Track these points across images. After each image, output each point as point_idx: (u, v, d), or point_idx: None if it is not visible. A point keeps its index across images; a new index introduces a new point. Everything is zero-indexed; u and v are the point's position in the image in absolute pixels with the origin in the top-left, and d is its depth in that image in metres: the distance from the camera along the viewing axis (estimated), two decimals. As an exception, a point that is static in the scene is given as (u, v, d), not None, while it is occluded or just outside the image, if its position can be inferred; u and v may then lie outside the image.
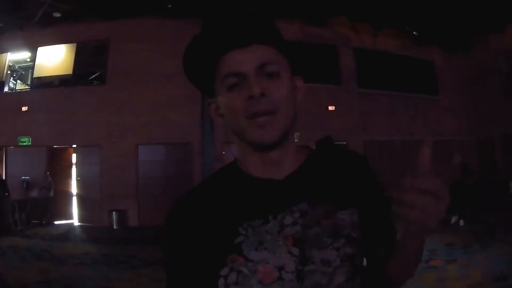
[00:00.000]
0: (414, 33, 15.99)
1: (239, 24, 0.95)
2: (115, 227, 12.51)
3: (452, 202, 3.96)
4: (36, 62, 14.98)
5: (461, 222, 10.17)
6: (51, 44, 14.79)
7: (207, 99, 1.04)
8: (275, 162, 0.98)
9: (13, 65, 16.22)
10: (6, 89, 15.66)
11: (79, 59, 14.33)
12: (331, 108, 14.25)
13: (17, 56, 15.84)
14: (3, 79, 15.53)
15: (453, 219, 10.22)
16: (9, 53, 15.56)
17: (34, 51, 15.14)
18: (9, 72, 15.92)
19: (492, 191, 13.94)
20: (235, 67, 0.93)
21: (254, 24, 0.96)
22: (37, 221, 12.97)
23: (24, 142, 14.36)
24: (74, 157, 14.22)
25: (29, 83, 15.89)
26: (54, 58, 14.85)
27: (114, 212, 12.59)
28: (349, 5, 13.83)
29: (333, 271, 0.91)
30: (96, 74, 14.28)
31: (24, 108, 14.46)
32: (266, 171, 0.98)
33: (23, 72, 16.70)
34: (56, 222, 13.16)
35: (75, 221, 13.74)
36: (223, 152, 13.24)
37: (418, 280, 5.85)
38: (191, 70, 1.02)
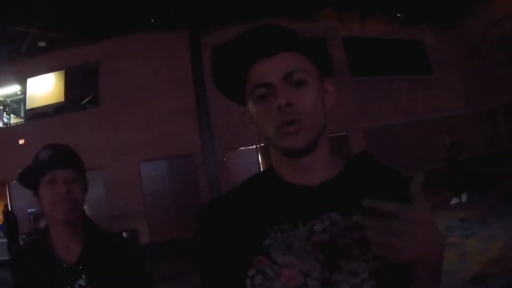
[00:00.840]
0: (398, 15, 15.99)
1: (264, 34, 0.97)
2: (127, 247, 12.43)
3: (450, 181, 3.88)
4: (28, 94, 14.94)
5: (463, 198, 10.08)
6: (40, 74, 14.75)
7: (243, 108, 1.05)
8: (306, 169, 0.99)
9: (4, 100, 16.18)
10: (0, 124, 15.62)
11: (70, 85, 14.30)
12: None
13: (7, 90, 15.80)
14: (-4, 115, 15.52)
15: (453, 200, 10.13)
16: (-1, 88, 15.56)
17: (24, 83, 15.09)
18: (1, 107, 15.90)
19: (499, 162, 13.87)
20: (262, 78, 0.95)
21: (278, 32, 0.97)
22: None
23: (26, 175, 14.27)
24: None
25: (23, 115, 15.82)
26: (45, 88, 14.81)
27: (124, 232, 12.49)
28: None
29: (360, 283, 0.90)
30: (88, 98, 14.22)
31: (21, 141, 14.38)
32: (299, 177, 0.99)
33: (15, 106, 16.65)
34: (68, 250, 13.09)
35: (87, 246, 13.65)
36: (224, 159, 13.21)
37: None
38: (220, 82, 1.05)
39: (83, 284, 1.39)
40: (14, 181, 14.81)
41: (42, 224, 13.42)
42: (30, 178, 1.53)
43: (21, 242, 13.16)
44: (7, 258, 13.19)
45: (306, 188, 0.98)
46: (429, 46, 17.08)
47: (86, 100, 14.26)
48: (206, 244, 1.00)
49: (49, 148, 1.55)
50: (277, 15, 13.84)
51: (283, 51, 0.96)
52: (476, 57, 16.30)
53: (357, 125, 14.52)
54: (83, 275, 1.40)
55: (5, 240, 13.56)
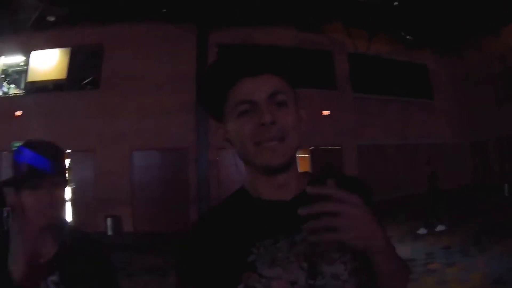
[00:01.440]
0: (408, 37, 16.09)
1: (251, 55, 1.04)
2: (109, 233, 12.37)
3: (428, 209, 3.97)
4: (30, 66, 14.84)
5: (439, 227, 10.08)
6: (45, 48, 14.65)
7: (216, 123, 1.10)
8: (282, 185, 1.04)
9: (6, 69, 16.07)
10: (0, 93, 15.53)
11: (73, 63, 14.19)
12: (325, 113, 14.22)
13: (11, 60, 15.70)
14: (-4, 83, 15.43)
15: (421, 230, 10.13)
16: (2, 57, 15.45)
17: (27, 55, 15.01)
18: (2, 76, 15.80)
19: (487, 193, 14.01)
20: (247, 95, 1.00)
21: (265, 55, 1.04)
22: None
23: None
24: (68, 163, 14.06)
25: (22, 87, 15.72)
26: (48, 63, 14.71)
27: (108, 218, 12.46)
28: (344, 11, 13.90)
29: (341, 285, 0.97)
30: (89, 79, 14.13)
31: (18, 113, 14.29)
32: (274, 193, 1.04)
33: (17, 76, 16.53)
34: (50, 228, 13.02)
35: (69, 226, 13.57)
36: (217, 158, 13.23)
37: (416, 284, 5.87)
38: (204, 95, 1.09)
39: (56, 280, 1.42)
40: (5, 152, 14.75)
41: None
42: (12, 183, 1.47)
43: (5, 214, 13.08)
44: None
45: (282, 203, 1.03)
46: (432, 71, 17.21)
47: (86, 81, 14.16)
48: (192, 265, 1.02)
49: (31, 148, 1.44)
50: (285, 23, 13.96)
51: (266, 73, 1.01)
52: (475, 87, 16.44)
53: (352, 140, 14.59)
54: (57, 272, 1.43)
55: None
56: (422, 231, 10.02)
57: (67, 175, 1.55)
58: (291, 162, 1.04)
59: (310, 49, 14.39)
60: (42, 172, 1.42)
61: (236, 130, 1.02)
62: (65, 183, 1.52)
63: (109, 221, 12.47)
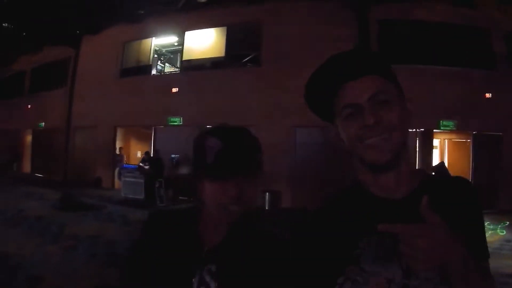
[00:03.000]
0: None
1: (350, 60, 1.08)
2: (266, 208, 12.67)
3: None
4: (185, 46, 15.55)
5: None
6: (199, 28, 15.28)
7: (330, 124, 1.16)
8: (391, 183, 1.09)
9: (159, 49, 17.02)
10: (154, 72, 16.48)
11: (231, 42, 14.57)
12: (487, 95, 13.48)
13: (163, 40, 16.58)
14: (150, 63, 16.38)
15: None
16: (154, 38, 16.35)
17: (181, 35, 15.73)
18: (155, 56, 16.75)
19: None
20: (351, 99, 1.06)
21: (363, 57, 1.09)
22: (186, 198, 13.49)
23: (175, 122, 15.05)
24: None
25: (178, 66, 16.51)
26: (203, 42, 15.31)
27: (267, 193, 12.75)
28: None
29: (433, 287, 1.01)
30: (250, 57, 14.42)
31: (174, 90, 15.11)
32: (384, 191, 1.10)
33: (171, 56, 17.45)
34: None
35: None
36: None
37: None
38: (312, 101, 1.15)
39: (213, 269, 1.29)
40: (161, 126, 15.71)
41: (183, 170, 13.94)
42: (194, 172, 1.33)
43: (157, 185, 13.81)
44: (142, 197, 14.02)
45: (392, 201, 1.07)
46: None
47: (247, 59, 14.51)
48: (303, 252, 1.11)
49: (217, 140, 1.25)
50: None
51: (367, 74, 1.06)
52: None
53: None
54: (216, 262, 1.28)
55: (142, 180, 14.29)
56: None
57: (261, 166, 1.29)
58: (398, 159, 1.07)
59: (467, 26, 13.71)
60: (228, 166, 1.23)
61: (346, 132, 1.08)
62: (256, 177, 1.28)
63: (267, 195, 12.74)
